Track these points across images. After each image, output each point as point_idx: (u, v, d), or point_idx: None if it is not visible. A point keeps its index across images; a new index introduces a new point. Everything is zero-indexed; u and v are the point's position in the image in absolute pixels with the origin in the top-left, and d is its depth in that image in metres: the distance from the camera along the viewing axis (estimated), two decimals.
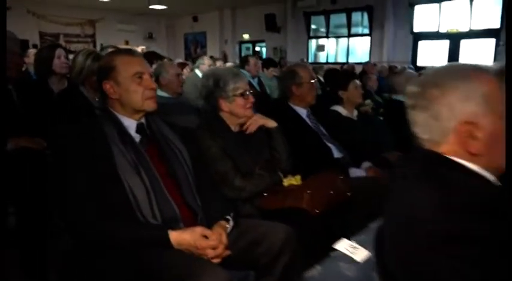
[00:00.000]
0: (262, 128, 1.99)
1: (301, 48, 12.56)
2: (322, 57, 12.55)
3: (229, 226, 1.50)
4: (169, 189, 1.45)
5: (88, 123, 1.52)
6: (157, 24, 15.32)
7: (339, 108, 2.81)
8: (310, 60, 12.24)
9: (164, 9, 13.57)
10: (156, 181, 1.42)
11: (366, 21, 11.46)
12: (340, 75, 3.64)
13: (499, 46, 9.12)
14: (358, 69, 7.35)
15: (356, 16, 11.57)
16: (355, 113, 2.88)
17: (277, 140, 1.99)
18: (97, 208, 1.32)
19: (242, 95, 1.89)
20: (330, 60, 12.14)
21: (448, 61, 10.05)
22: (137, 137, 1.50)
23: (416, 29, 10.51)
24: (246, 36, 13.95)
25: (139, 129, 1.52)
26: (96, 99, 2.47)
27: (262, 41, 13.69)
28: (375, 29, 11.15)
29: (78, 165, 1.34)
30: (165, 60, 3.14)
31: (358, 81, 2.89)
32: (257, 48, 13.92)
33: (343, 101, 2.82)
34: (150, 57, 4.09)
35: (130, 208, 1.34)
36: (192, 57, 12.89)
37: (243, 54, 13.51)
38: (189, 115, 2.98)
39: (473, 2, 9.47)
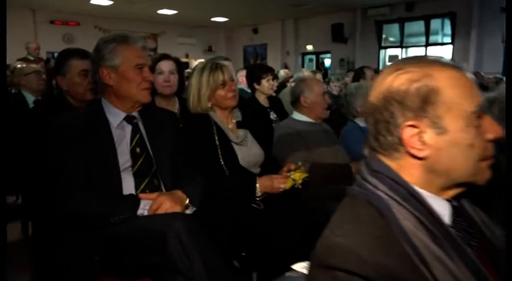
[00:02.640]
0: None
1: (371, 59, 11.71)
2: None
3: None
4: None
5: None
6: (217, 36, 15.07)
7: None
8: None
9: (225, 21, 13.32)
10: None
11: (447, 29, 10.48)
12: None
13: None
14: None
15: (435, 24, 10.62)
16: None
17: None
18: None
19: None
20: None
21: None
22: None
23: None
24: (309, 47, 13.33)
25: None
26: None
27: (327, 52, 13.00)
28: (458, 37, 10.15)
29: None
30: (308, 75, 2.53)
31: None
32: (326, 61, 13.26)
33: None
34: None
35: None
36: None
37: (305, 66, 12.90)
38: (335, 145, 2.34)
39: None
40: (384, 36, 11.73)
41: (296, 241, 1.66)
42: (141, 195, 1.44)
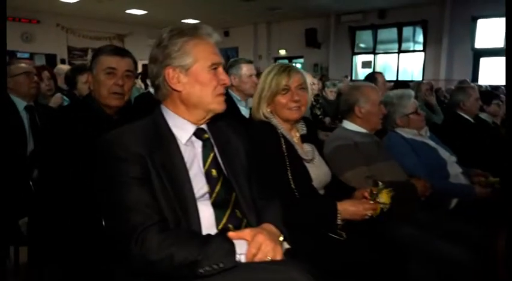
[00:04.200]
0: None
1: (344, 65, 11.80)
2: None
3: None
4: None
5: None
6: None
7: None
8: (354, 78, 11.48)
9: (196, 23, 12.92)
10: None
11: (418, 37, 10.73)
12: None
13: None
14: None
15: (407, 31, 10.84)
16: None
17: None
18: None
19: None
20: None
21: None
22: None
23: (478, 45, 9.77)
24: (282, 52, 13.22)
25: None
26: None
27: (300, 57, 12.94)
28: (429, 45, 10.41)
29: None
30: (364, 83, 2.29)
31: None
32: (298, 65, 13.17)
33: None
34: None
35: None
36: None
37: None
38: (391, 159, 2.12)
39: None
40: (357, 42, 11.83)
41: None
42: (230, 234, 1.11)
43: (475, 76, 9.77)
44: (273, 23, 13.16)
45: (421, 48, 10.62)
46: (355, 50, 11.86)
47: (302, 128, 1.72)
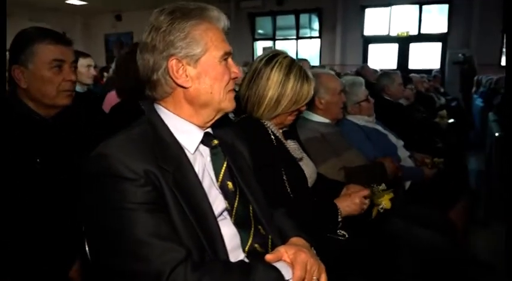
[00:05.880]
0: None
1: (245, 51, 11.81)
2: None
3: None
4: None
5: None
6: (72, 22, 13.14)
7: None
8: None
9: (82, 5, 11.71)
10: None
11: (314, 24, 11.24)
12: None
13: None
14: None
15: (304, 18, 11.28)
16: None
17: None
18: None
19: None
20: None
21: (398, 64, 10.38)
22: None
23: (366, 33, 10.61)
24: None
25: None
26: None
27: None
28: (325, 32, 10.98)
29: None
30: (322, 71, 2.17)
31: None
32: None
33: None
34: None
35: None
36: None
37: None
38: (353, 147, 2.10)
39: (423, 7, 9.86)
40: (256, 28, 11.94)
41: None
42: (268, 258, 0.93)
43: (365, 61, 10.61)
44: None
45: (317, 35, 11.16)
46: (255, 36, 11.96)
47: (281, 125, 1.58)
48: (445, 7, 9.64)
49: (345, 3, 10.46)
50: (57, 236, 1.35)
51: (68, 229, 1.36)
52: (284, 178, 1.40)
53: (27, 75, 1.36)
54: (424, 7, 9.86)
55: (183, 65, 0.97)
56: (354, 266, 1.37)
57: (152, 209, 0.86)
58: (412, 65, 10.10)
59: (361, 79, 2.45)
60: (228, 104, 1.04)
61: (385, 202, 1.48)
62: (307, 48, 11.49)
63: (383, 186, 1.51)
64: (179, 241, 0.87)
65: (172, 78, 0.97)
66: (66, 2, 11.21)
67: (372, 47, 10.71)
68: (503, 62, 9.08)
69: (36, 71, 1.35)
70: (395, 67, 10.01)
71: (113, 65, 3.56)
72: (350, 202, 1.42)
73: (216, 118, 1.05)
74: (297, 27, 11.33)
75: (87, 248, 1.06)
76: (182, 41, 0.96)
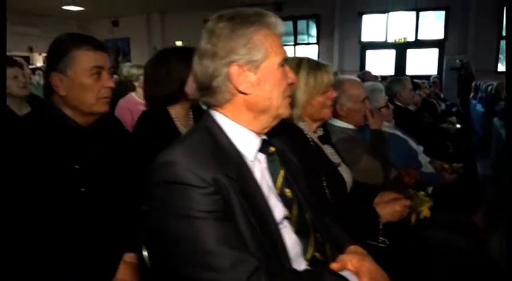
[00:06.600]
0: None
1: None
2: None
3: None
4: None
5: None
6: (67, 28, 13.05)
7: None
8: None
9: (79, 10, 11.64)
10: None
11: (312, 30, 11.31)
12: None
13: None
14: None
15: (302, 24, 11.35)
16: None
17: None
18: None
19: None
20: None
21: (395, 70, 10.48)
22: None
23: (364, 39, 10.70)
24: (179, 43, 12.67)
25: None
26: None
27: None
28: (322, 38, 11.06)
29: None
30: (345, 78, 2.17)
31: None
32: None
33: None
34: None
35: None
36: (112, 66, 11.22)
37: None
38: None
39: (420, 13, 9.98)
40: None
41: None
42: (334, 267, 0.92)
43: (362, 67, 10.70)
44: (168, 13, 12.58)
45: (315, 41, 11.23)
46: None
47: (320, 129, 1.58)
48: (441, 13, 9.76)
49: (342, 9, 10.55)
50: (97, 243, 1.32)
51: (107, 236, 1.34)
52: (324, 184, 1.39)
53: (66, 82, 1.33)
54: (421, 13, 9.98)
55: (244, 71, 0.96)
56: (389, 272, 1.37)
57: (221, 217, 0.85)
58: (409, 71, 10.20)
59: (380, 85, 2.46)
60: (285, 111, 1.03)
61: (425, 210, 1.47)
62: (305, 54, 11.50)
63: (422, 193, 1.51)
64: (249, 250, 0.86)
65: (233, 85, 0.96)
66: (63, 7, 11.13)
67: (369, 53, 10.80)
68: (499, 68, 9.22)
69: (75, 78, 1.33)
70: (392, 73, 10.11)
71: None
72: (391, 210, 1.42)
73: (272, 124, 1.05)
74: (295, 33, 11.40)
75: (145, 254, 1.04)
76: (244, 47, 0.95)
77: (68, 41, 1.37)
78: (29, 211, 1.23)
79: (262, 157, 1.04)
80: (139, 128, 1.77)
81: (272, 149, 1.05)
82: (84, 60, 1.33)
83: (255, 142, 1.01)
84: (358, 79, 2.14)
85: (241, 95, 0.98)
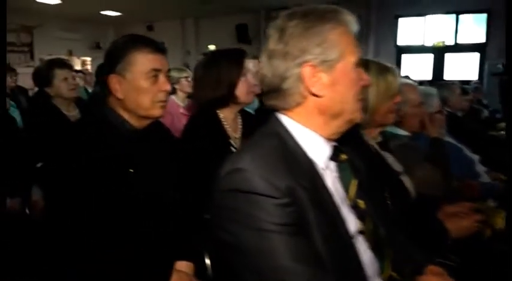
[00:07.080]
0: None
1: None
2: None
3: None
4: None
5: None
6: (105, 32, 13.44)
7: None
8: None
9: (116, 15, 11.96)
10: None
11: None
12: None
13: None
14: None
15: None
16: None
17: None
18: None
19: None
20: None
21: (433, 74, 10.14)
22: None
23: (400, 42, 10.43)
24: (212, 48, 12.80)
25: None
26: None
27: None
28: (358, 41, 10.84)
29: None
30: (402, 81, 2.09)
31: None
32: None
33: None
34: None
35: None
36: None
37: None
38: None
39: (459, 17, 9.63)
40: None
41: None
42: None
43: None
44: (202, 19, 12.74)
45: None
46: None
47: (379, 135, 1.49)
48: (483, 16, 9.39)
49: (378, 12, 10.34)
50: (149, 249, 1.29)
51: (162, 241, 1.31)
52: (386, 194, 1.30)
53: (124, 85, 1.31)
54: (461, 16, 9.63)
55: (317, 72, 0.90)
56: None
57: (296, 231, 0.79)
58: (447, 76, 9.86)
59: (433, 89, 2.34)
60: (358, 115, 0.97)
61: (499, 222, 1.36)
62: None
63: (492, 204, 1.40)
64: (325, 267, 0.79)
65: (305, 87, 0.90)
66: (101, 12, 11.46)
67: (405, 57, 10.51)
68: None
69: (133, 81, 1.31)
70: (430, 78, 9.80)
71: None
72: (458, 225, 1.32)
73: (343, 130, 0.97)
74: None
75: (207, 262, 0.99)
76: (318, 46, 0.89)
77: (127, 43, 1.35)
78: (84, 214, 1.21)
79: (332, 165, 0.97)
80: (188, 132, 1.74)
81: (344, 156, 0.98)
82: (143, 62, 1.31)
83: (326, 148, 0.94)
84: (414, 82, 2.04)
85: (313, 97, 0.91)
